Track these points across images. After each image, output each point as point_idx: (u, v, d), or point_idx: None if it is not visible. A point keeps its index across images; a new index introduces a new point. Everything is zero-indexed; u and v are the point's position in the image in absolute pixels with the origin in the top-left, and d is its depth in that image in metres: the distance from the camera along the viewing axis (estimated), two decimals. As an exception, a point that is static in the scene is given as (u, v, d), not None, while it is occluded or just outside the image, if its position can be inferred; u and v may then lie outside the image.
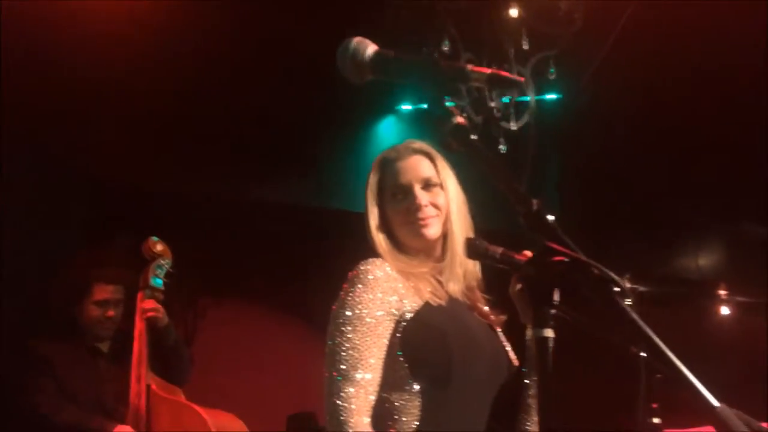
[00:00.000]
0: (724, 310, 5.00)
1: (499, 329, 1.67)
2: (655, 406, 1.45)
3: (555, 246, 0.99)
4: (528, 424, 1.60)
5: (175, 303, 3.52)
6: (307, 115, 4.16)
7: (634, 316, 0.98)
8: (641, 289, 5.05)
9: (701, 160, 4.52)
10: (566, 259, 0.97)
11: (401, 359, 1.46)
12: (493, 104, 3.19)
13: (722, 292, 4.99)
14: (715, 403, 0.84)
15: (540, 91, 4.19)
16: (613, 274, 1.00)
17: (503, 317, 1.66)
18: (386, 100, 4.60)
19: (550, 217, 1.02)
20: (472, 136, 1.05)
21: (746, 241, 5.05)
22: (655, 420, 1.44)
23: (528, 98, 3.40)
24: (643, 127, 4.50)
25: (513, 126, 3.25)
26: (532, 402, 1.59)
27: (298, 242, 4.29)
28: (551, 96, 4.33)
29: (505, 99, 3.43)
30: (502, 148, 3.25)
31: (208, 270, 4.18)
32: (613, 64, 3.97)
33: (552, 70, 3.24)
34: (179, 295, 3.83)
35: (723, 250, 5.11)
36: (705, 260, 5.09)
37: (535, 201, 1.00)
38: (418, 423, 1.44)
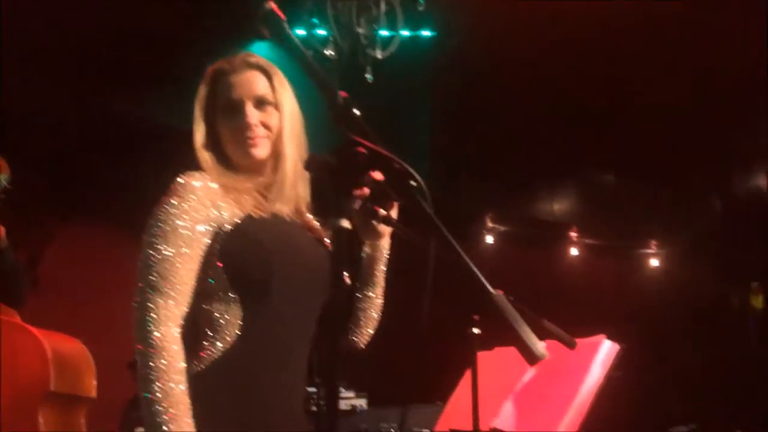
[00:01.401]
0: (574, 251, 5.38)
1: (329, 245, 1.68)
2: (476, 318, 1.51)
3: (359, 139, 1.00)
4: (357, 336, 1.65)
5: (18, 222, 3.31)
6: (172, 34, 3.96)
7: (429, 210, 1.02)
8: (501, 228, 5.37)
9: (561, 110, 4.76)
10: (367, 152, 0.98)
11: (221, 270, 1.44)
12: (360, 31, 3.16)
13: (573, 235, 5.35)
14: (491, 290, 0.89)
15: (416, 27, 4.19)
16: (412, 170, 1.03)
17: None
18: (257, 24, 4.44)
19: (357, 112, 1.03)
20: (285, 26, 1.03)
21: (598, 188, 5.42)
22: (475, 330, 1.50)
23: (397, 33, 3.40)
24: (512, 74, 4.65)
25: (378, 54, 3.25)
26: (362, 316, 1.64)
27: (154, 162, 4.12)
28: (426, 33, 4.35)
29: (382, 29, 3.40)
30: (369, 77, 3.25)
31: (56, 189, 3.95)
32: (490, 7, 4.04)
33: (421, 1, 3.24)
34: (23, 214, 3.59)
35: (575, 196, 5.46)
36: (559, 205, 5.42)
37: (341, 94, 0.99)
38: (239, 333, 1.44)
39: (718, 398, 5.29)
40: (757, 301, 6.07)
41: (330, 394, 0.93)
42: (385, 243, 1.59)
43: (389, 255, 1.64)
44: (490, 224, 5.14)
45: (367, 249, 1.59)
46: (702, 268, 5.59)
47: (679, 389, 5.28)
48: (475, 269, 0.95)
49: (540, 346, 0.90)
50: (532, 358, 0.89)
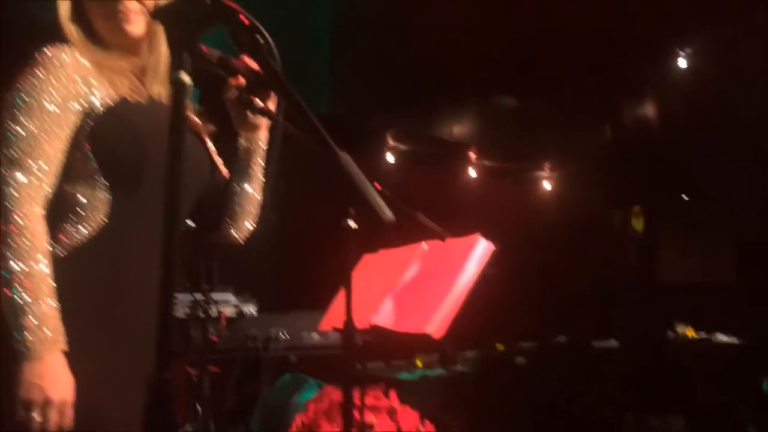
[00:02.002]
0: (472, 173, 5.52)
1: (207, 138, 1.63)
2: (352, 210, 1.52)
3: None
4: (232, 229, 1.62)
5: None
6: None
7: (277, 69, 0.99)
8: (402, 147, 5.41)
9: (463, 31, 4.74)
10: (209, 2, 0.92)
11: (90, 153, 1.37)
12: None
13: (472, 156, 5.46)
14: (338, 151, 0.88)
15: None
16: (259, 26, 0.99)
17: (212, 127, 1.62)
18: None
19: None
20: None
21: (497, 112, 5.53)
22: (350, 222, 1.50)
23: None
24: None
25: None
26: (239, 209, 1.61)
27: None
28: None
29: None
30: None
31: None
32: None
33: None
34: None
35: (475, 118, 5.55)
36: (459, 127, 5.50)
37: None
38: (105, 220, 1.38)
39: (596, 312, 5.68)
40: (638, 224, 6.49)
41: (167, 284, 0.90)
42: (262, 136, 1.55)
43: (273, 153, 1.61)
44: (391, 143, 5.16)
45: (243, 141, 1.55)
46: (589, 191, 5.87)
47: (561, 302, 5.63)
48: (322, 129, 0.92)
49: (387, 209, 0.91)
50: (380, 218, 0.90)
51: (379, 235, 2.33)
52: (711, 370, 4.56)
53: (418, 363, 4.92)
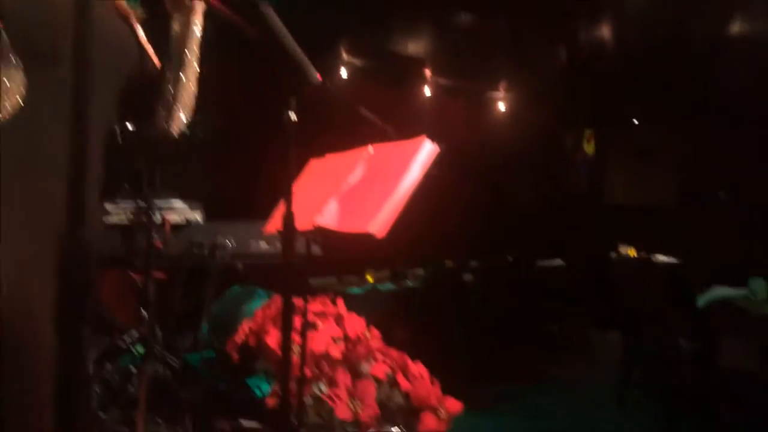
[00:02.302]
0: (427, 91, 5.46)
1: (136, 23, 1.54)
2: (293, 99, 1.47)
3: None
4: (166, 121, 1.57)
5: None
6: None
7: None
8: (357, 62, 5.30)
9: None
10: None
11: (2, 30, 1.29)
12: None
13: (427, 73, 5.39)
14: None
15: None
16: None
17: (141, 11, 1.54)
18: None
19: None
20: None
21: (453, 30, 5.43)
22: (291, 114, 1.45)
23: None
24: None
25: None
26: (172, 99, 1.55)
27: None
28: None
29: None
30: None
31: None
32: None
33: None
34: None
35: (431, 35, 5.44)
36: (414, 44, 5.40)
37: None
38: (21, 104, 1.31)
39: (544, 232, 5.82)
40: (589, 147, 6.59)
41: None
42: (197, 20, 1.48)
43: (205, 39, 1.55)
44: (345, 58, 5.04)
45: (175, 26, 1.48)
46: (543, 113, 5.90)
47: (511, 221, 5.74)
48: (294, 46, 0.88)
49: (313, 71, 0.88)
50: (306, 79, 0.87)
51: (327, 142, 2.31)
52: (649, 287, 4.75)
53: (369, 279, 5.01)
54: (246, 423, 2.66)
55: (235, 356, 2.79)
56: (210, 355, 3.34)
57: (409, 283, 4.86)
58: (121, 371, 2.95)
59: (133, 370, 2.72)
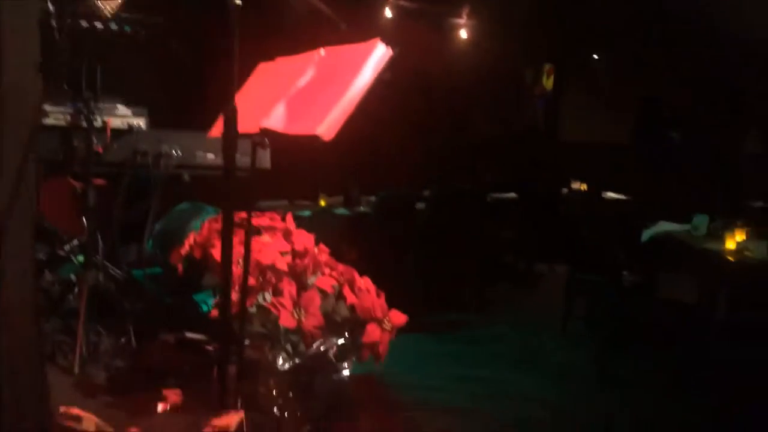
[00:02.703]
0: (389, 13, 5.30)
1: None
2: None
3: None
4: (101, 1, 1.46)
5: None
6: None
7: None
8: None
9: None
10: None
11: None
12: None
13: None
14: None
15: None
16: None
17: None
18: None
19: None
20: None
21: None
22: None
23: None
24: None
25: None
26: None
27: None
28: None
29: None
30: None
31: None
32: None
33: None
34: None
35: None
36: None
37: None
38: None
39: (499, 164, 5.84)
40: (548, 83, 6.57)
41: None
42: None
43: None
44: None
45: None
46: (504, 44, 5.82)
47: (466, 151, 5.73)
48: None
49: None
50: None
51: (278, 44, 2.22)
52: (597, 222, 4.83)
53: (322, 203, 4.96)
54: (190, 335, 2.63)
55: (180, 269, 2.73)
56: (155, 271, 3.28)
57: (362, 209, 4.83)
58: (61, 281, 2.88)
59: (74, 279, 2.65)
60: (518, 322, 4.26)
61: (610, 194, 5.61)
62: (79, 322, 2.51)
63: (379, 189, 4.83)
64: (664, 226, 4.48)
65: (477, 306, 4.62)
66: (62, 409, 1.80)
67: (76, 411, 1.80)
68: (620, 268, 4.28)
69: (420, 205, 5.01)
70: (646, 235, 4.46)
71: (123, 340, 2.64)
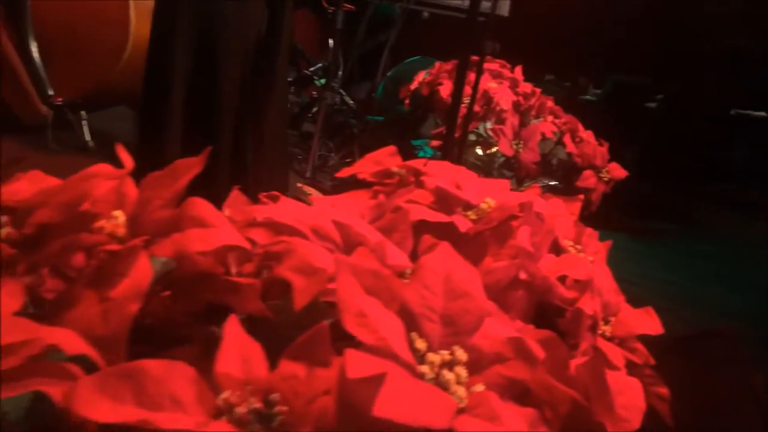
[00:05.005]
0: None
1: None
2: None
3: None
4: None
5: None
6: None
7: None
8: None
9: None
10: None
11: None
12: None
13: None
14: None
15: None
16: None
17: None
18: None
19: None
20: None
21: None
22: None
23: None
24: None
25: None
26: None
27: None
28: None
29: None
30: None
31: None
32: None
33: None
34: None
35: None
36: None
37: None
38: None
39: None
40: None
41: None
42: None
43: None
44: None
45: None
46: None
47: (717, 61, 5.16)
48: None
49: None
50: None
51: None
52: None
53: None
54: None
55: (406, 104, 2.86)
56: (378, 119, 3.47)
57: (588, 97, 4.63)
58: (302, 102, 3.17)
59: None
60: (735, 245, 3.92)
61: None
62: (315, 135, 2.76)
63: (606, 76, 4.58)
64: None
65: (695, 221, 4.31)
66: (298, 184, 2.03)
67: (307, 188, 2.02)
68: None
69: (650, 104, 4.68)
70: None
71: (348, 159, 2.88)
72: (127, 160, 0.52)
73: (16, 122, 2.31)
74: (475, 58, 2.25)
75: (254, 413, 0.40)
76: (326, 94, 2.78)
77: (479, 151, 2.31)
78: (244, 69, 1.44)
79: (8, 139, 2.36)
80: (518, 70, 2.85)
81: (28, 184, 0.54)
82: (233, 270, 0.65)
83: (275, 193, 0.84)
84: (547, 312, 0.70)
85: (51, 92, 2.34)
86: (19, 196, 0.50)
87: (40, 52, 2.37)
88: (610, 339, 0.76)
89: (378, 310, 0.43)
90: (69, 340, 0.37)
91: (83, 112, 2.42)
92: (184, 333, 0.60)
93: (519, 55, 2.95)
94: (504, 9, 2.83)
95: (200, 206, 0.53)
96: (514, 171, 2.25)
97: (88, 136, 2.43)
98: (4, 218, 0.48)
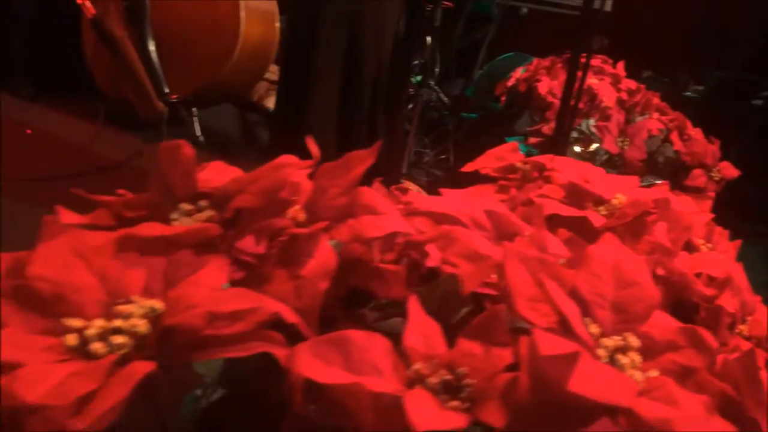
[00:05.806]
0: None
1: None
2: None
3: None
4: None
5: None
6: None
7: None
8: None
9: None
10: None
11: None
12: None
13: None
14: None
15: None
16: None
17: None
18: None
19: None
20: None
21: None
22: None
23: None
24: None
25: None
26: None
27: None
28: None
29: None
30: None
31: None
32: None
33: None
34: None
35: None
36: None
37: None
38: None
39: None
40: None
41: None
42: None
43: None
44: None
45: None
46: None
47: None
48: None
49: None
50: None
51: None
52: None
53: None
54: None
55: (503, 100, 2.86)
56: (471, 116, 3.47)
57: (689, 93, 4.46)
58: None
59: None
60: None
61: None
62: (410, 132, 2.80)
63: (708, 72, 4.39)
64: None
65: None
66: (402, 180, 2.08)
67: (409, 183, 2.06)
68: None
69: (757, 101, 4.44)
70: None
71: (443, 156, 2.90)
72: (314, 150, 0.57)
73: (135, 118, 2.46)
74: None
75: (444, 384, 0.43)
76: (422, 91, 2.81)
77: (577, 149, 2.28)
78: (380, 68, 1.49)
79: (129, 134, 2.52)
80: (620, 65, 2.79)
81: (214, 173, 0.59)
82: (377, 257, 0.69)
83: (405, 185, 0.87)
84: (681, 309, 0.70)
85: (167, 90, 2.48)
86: (211, 183, 0.56)
87: (157, 51, 2.52)
88: (747, 338, 0.76)
89: (557, 293, 0.45)
90: (285, 311, 0.41)
91: (194, 109, 2.54)
92: (329, 314, 0.64)
93: (618, 51, 2.89)
94: (607, 4, 2.78)
95: (370, 195, 0.56)
96: (618, 168, 2.20)
97: (198, 132, 2.56)
98: (204, 203, 0.53)
